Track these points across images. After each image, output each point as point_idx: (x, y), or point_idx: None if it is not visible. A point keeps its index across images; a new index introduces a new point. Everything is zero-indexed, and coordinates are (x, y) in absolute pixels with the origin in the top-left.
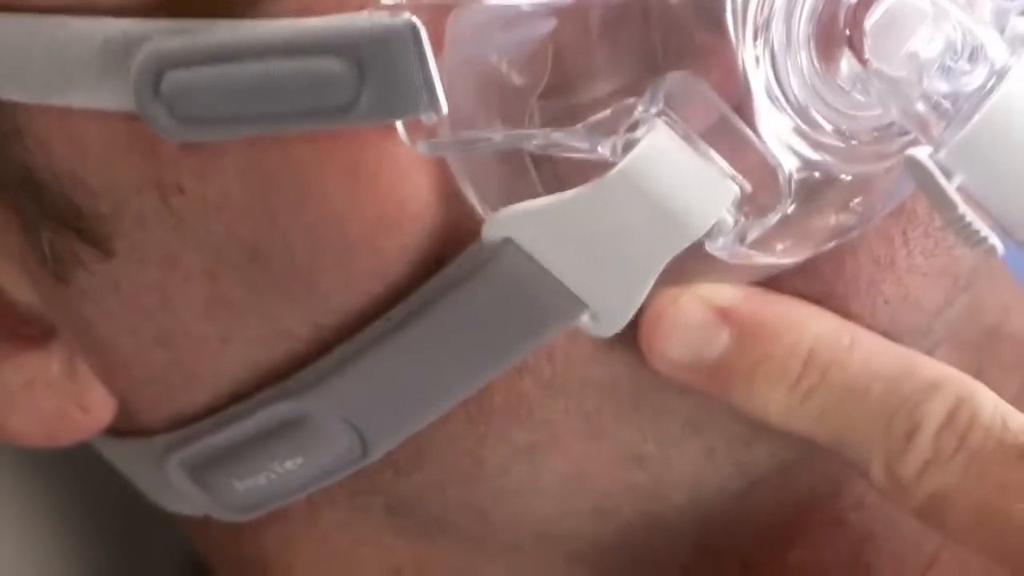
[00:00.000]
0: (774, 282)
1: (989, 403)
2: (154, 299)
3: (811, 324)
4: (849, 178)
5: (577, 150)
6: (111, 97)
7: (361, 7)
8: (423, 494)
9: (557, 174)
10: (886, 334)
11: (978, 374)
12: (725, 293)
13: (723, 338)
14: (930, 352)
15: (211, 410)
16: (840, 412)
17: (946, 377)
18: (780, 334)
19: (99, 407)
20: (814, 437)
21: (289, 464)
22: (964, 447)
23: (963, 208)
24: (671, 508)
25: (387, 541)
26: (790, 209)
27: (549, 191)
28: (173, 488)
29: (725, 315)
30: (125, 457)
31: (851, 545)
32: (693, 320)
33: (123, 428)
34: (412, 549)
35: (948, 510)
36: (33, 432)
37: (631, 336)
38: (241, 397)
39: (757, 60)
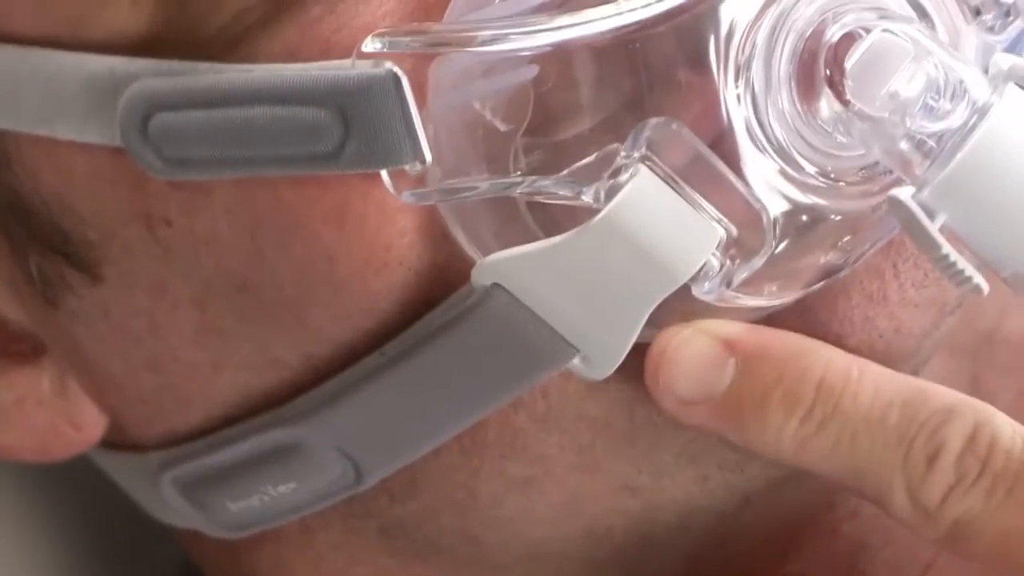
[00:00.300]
0: (769, 323)
1: (1007, 425)
2: (143, 325)
3: (819, 353)
4: (838, 218)
5: (562, 197)
6: (97, 132)
7: (346, 54)
8: (417, 520)
9: (548, 216)
10: (881, 364)
11: (974, 379)
12: (728, 325)
13: (730, 369)
14: (918, 369)
15: (204, 431)
16: (856, 441)
17: (961, 402)
18: (788, 360)
19: (90, 423)
20: (828, 471)
21: (282, 488)
22: (987, 470)
23: (947, 248)
24: (662, 527)
25: (380, 562)
26: (778, 250)
27: (540, 233)
28: (166, 503)
29: (731, 346)
30: (119, 470)
31: (845, 556)
32: (699, 354)
33: (117, 442)
34: (405, 570)
35: (974, 536)
36: (24, 447)
37: (624, 373)
38: (234, 420)
39: (739, 99)
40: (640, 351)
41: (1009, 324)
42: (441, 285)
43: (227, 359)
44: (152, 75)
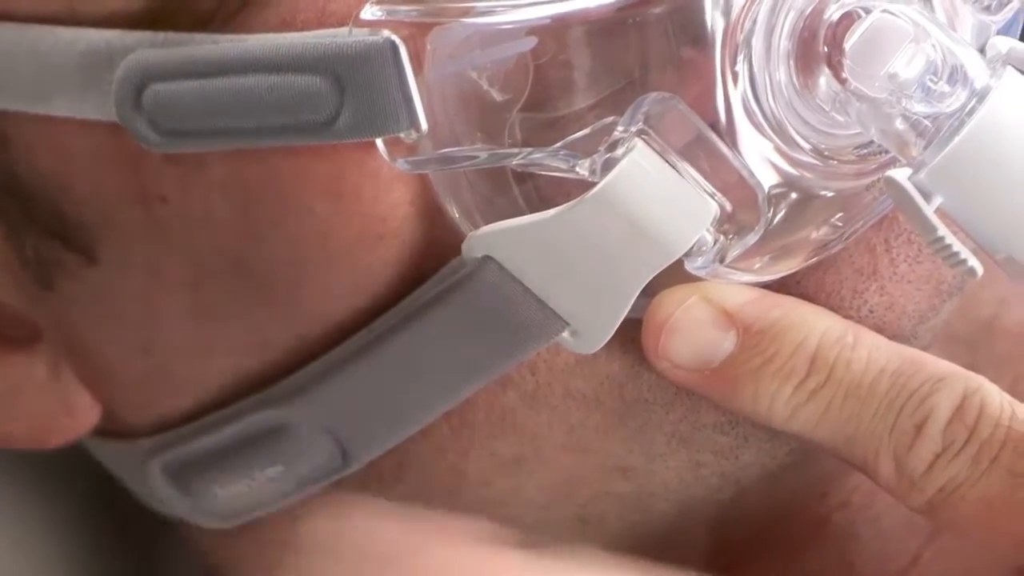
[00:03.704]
0: None
1: (996, 395)
2: (137, 307)
3: (816, 323)
4: (830, 194)
5: (556, 169)
6: (93, 108)
7: (341, 24)
8: (406, 503)
9: (539, 190)
10: None
11: (971, 369)
12: (732, 295)
13: (729, 341)
14: None
15: (194, 416)
16: (846, 408)
17: (951, 372)
18: (786, 334)
19: (84, 410)
20: (816, 437)
21: (270, 472)
22: (974, 438)
23: (942, 231)
24: (656, 516)
25: None
26: (771, 226)
27: (531, 207)
28: (155, 491)
29: (731, 317)
30: (112, 458)
31: (835, 545)
32: (699, 323)
33: (110, 430)
34: None
35: (958, 502)
36: (19, 434)
37: (614, 348)
38: (224, 404)
39: (736, 77)
40: (630, 325)
41: (1008, 315)
42: (434, 259)
43: (219, 341)
44: (148, 46)
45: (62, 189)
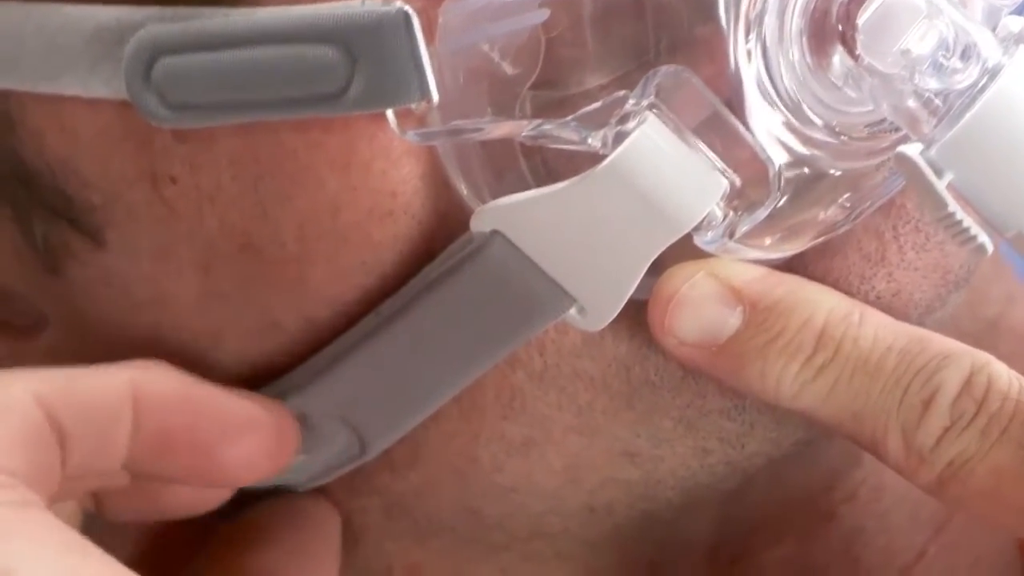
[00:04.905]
0: None
1: (1004, 370)
2: (146, 292)
3: (822, 300)
4: (839, 174)
5: (567, 142)
6: (103, 85)
7: None
8: (419, 493)
9: (547, 164)
10: None
11: None
12: (739, 272)
13: (736, 317)
14: None
15: None
16: (853, 385)
17: (958, 349)
18: (793, 310)
19: None
20: (823, 415)
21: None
22: (983, 411)
23: (953, 206)
24: (663, 505)
25: (384, 545)
26: (781, 203)
27: (539, 181)
28: None
29: (738, 293)
30: None
31: (841, 539)
32: (707, 299)
33: None
34: (405, 552)
35: (967, 477)
36: None
37: (621, 332)
38: None
39: (749, 54)
40: (637, 308)
41: (1015, 312)
42: (443, 236)
43: (228, 326)
44: (158, 21)
45: (70, 171)
